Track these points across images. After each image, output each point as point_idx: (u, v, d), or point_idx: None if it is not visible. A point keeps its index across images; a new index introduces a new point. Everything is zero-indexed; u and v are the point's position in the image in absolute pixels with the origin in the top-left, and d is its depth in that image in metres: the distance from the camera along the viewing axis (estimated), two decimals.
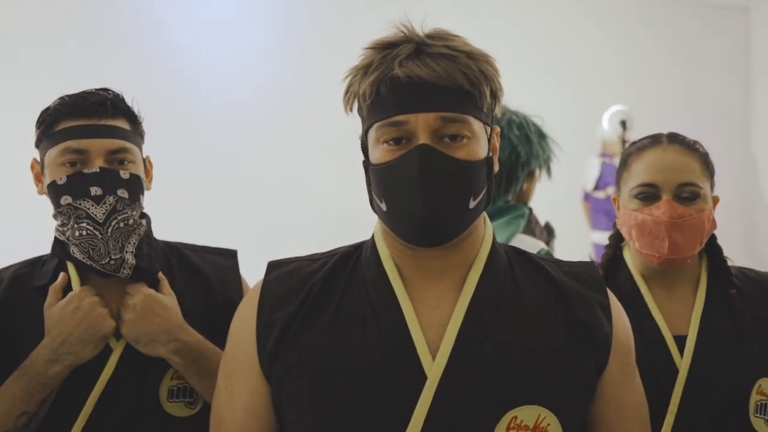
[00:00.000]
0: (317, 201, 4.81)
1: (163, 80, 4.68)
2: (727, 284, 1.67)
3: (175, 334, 1.54)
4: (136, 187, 1.57)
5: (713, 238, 1.74)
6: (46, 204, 1.60)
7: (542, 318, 1.25)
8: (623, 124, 5.10)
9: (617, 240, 1.80)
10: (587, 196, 5.35)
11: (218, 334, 1.56)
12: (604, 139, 5.22)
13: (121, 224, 1.55)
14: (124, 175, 1.55)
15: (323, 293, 1.27)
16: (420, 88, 1.17)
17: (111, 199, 1.53)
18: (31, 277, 1.62)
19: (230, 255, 1.77)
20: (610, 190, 5.03)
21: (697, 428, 1.56)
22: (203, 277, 1.69)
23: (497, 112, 1.29)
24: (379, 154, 1.22)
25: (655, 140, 1.70)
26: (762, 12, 6.44)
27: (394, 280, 1.25)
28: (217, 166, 4.80)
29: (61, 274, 1.58)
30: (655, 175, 1.64)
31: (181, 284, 1.65)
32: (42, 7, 4.49)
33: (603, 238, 4.92)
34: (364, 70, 1.21)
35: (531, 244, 2.13)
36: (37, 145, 1.60)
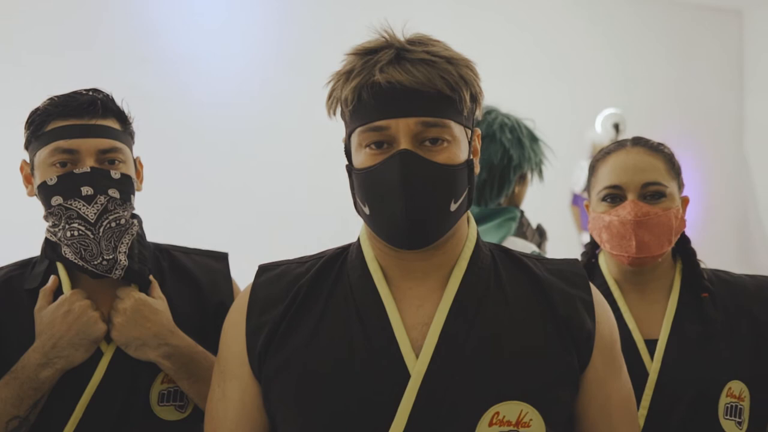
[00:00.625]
0: (313, 204, 4.81)
1: (158, 84, 4.67)
2: (699, 288, 1.68)
3: (165, 338, 1.54)
4: (127, 187, 1.57)
5: (687, 240, 1.76)
6: (37, 205, 1.59)
7: (525, 315, 1.27)
8: (616, 127, 5.11)
9: (593, 247, 1.83)
10: (576, 198, 5.37)
11: (209, 338, 1.57)
12: (593, 142, 5.24)
13: (113, 224, 1.54)
14: (115, 174, 1.55)
15: (310, 295, 1.30)
16: (400, 94, 1.19)
17: (102, 198, 1.53)
18: (22, 280, 1.61)
19: (221, 258, 1.76)
20: None
21: (668, 431, 1.57)
22: (194, 280, 1.69)
23: (478, 115, 1.31)
24: (361, 158, 1.24)
25: (620, 144, 1.74)
26: (755, 15, 6.46)
27: (378, 280, 1.28)
28: (211, 170, 4.79)
29: (52, 277, 1.58)
30: (619, 176, 1.67)
31: (172, 287, 1.65)
32: (38, 12, 4.49)
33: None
34: (345, 75, 1.23)
35: (523, 247, 2.13)
36: (27, 147, 1.59)
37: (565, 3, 5.91)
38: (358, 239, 1.35)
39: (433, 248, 1.26)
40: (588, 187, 1.78)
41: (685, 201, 1.72)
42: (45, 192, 1.54)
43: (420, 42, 1.23)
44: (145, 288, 1.59)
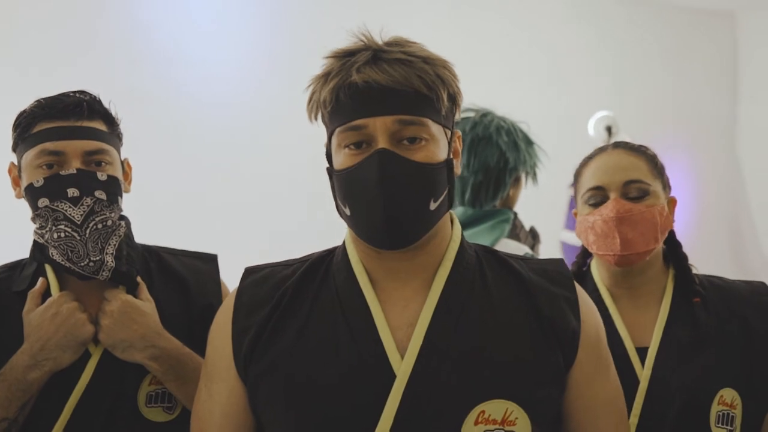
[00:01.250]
0: (305, 205, 4.80)
1: (152, 85, 4.67)
2: (691, 293, 1.68)
3: (153, 340, 1.54)
4: (114, 188, 1.57)
5: (678, 245, 1.76)
6: (26, 207, 1.59)
7: (510, 315, 1.28)
8: (608, 129, 5.11)
9: (584, 256, 1.83)
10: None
11: (197, 339, 1.57)
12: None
13: (100, 225, 1.54)
14: (102, 176, 1.55)
15: (296, 297, 1.31)
16: (377, 93, 1.20)
17: (88, 200, 1.53)
18: (10, 282, 1.62)
19: (210, 259, 1.77)
20: None
21: None
22: (182, 282, 1.69)
23: (457, 116, 1.33)
24: (341, 159, 1.25)
25: (601, 149, 1.75)
26: (748, 17, 6.47)
27: (363, 282, 1.28)
28: (205, 171, 4.79)
29: (40, 280, 1.58)
30: (601, 177, 1.67)
31: (160, 289, 1.65)
32: (33, 14, 4.48)
33: (571, 236, 4.94)
34: (324, 78, 1.24)
35: (516, 249, 2.14)
36: (14, 149, 1.59)
37: (558, 6, 5.91)
38: (344, 242, 1.35)
39: (415, 249, 1.27)
40: (574, 195, 1.79)
41: (672, 201, 1.72)
42: (32, 194, 1.54)
43: (397, 43, 1.25)
44: (132, 290, 1.59)
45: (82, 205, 1.52)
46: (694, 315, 1.65)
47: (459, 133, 1.34)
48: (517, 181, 2.38)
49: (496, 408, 1.20)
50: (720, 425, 1.57)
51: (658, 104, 6.15)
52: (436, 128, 1.24)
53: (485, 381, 1.21)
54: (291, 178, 4.88)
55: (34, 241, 1.60)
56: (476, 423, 1.19)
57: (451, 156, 1.29)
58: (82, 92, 1.60)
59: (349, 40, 1.26)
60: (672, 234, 1.74)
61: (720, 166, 6.40)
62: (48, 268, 1.59)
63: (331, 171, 1.29)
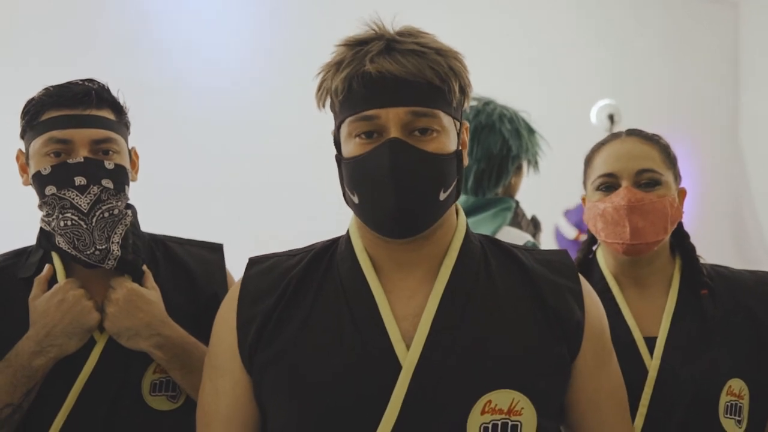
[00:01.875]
0: (309, 194, 4.80)
1: (152, 74, 4.66)
2: (699, 284, 1.67)
3: (158, 328, 1.54)
4: (121, 177, 1.57)
5: (686, 236, 1.75)
6: (33, 195, 1.59)
7: (515, 306, 1.28)
8: (611, 118, 5.10)
9: (590, 243, 1.82)
10: None
11: (202, 328, 1.56)
12: None
13: (106, 214, 1.54)
14: (109, 165, 1.55)
15: (300, 287, 1.30)
16: (390, 84, 1.20)
17: (95, 189, 1.53)
18: (16, 269, 1.62)
19: (216, 249, 1.77)
20: None
21: (667, 429, 1.56)
22: (188, 271, 1.69)
23: (466, 107, 1.33)
24: (351, 148, 1.25)
25: (614, 135, 1.74)
26: (751, 7, 6.45)
27: (368, 272, 1.29)
28: (208, 160, 4.78)
29: (47, 266, 1.58)
30: (613, 164, 1.66)
31: (166, 278, 1.65)
32: (35, 5, 4.47)
33: (568, 228, 4.94)
34: (336, 66, 1.24)
35: (517, 237, 2.14)
36: (22, 136, 1.60)
37: None
38: (348, 231, 1.35)
39: (422, 238, 1.27)
40: (584, 180, 1.78)
41: (682, 192, 1.71)
42: (39, 181, 1.54)
43: (410, 33, 1.24)
44: (138, 278, 1.59)
45: (89, 193, 1.53)
46: (701, 306, 1.65)
47: (467, 124, 1.34)
48: (519, 169, 2.39)
49: (502, 398, 1.20)
50: (729, 415, 1.57)
51: (661, 93, 6.13)
52: (447, 120, 1.25)
53: (491, 371, 1.21)
54: (295, 166, 4.88)
55: (41, 229, 1.61)
56: (483, 413, 1.19)
57: (460, 147, 1.29)
58: (90, 80, 1.60)
59: (359, 28, 1.25)
60: (680, 224, 1.73)
61: (722, 156, 6.38)
62: (54, 256, 1.59)
63: (339, 158, 1.29)
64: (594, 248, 1.82)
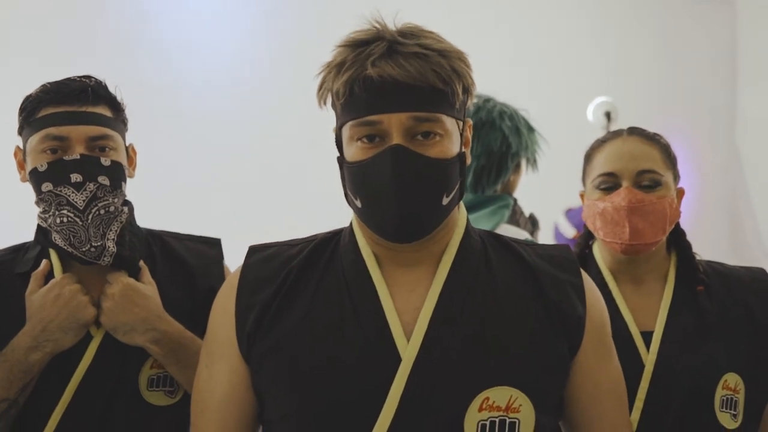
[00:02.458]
0: (308, 193, 4.80)
1: (151, 72, 4.65)
2: (695, 281, 1.68)
3: (154, 323, 1.54)
4: (117, 174, 1.57)
5: (682, 233, 1.76)
6: (31, 191, 1.59)
7: (515, 301, 1.28)
8: (608, 115, 5.10)
9: (586, 237, 1.82)
10: None
11: (199, 323, 1.55)
12: None
13: (102, 211, 1.54)
14: (105, 162, 1.55)
15: (301, 277, 1.30)
16: (393, 88, 1.19)
17: (91, 186, 1.53)
18: (13, 264, 1.62)
19: (213, 244, 1.77)
20: None
21: (664, 423, 1.57)
22: (185, 266, 1.69)
23: (470, 105, 1.31)
24: (353, 151, 1.24)
25: (615, 133, 1.73)
26: (748, 4, 6.45)
27: (371, 265, 1.28)
28: (205, 158, 4.78)
29: (43, 261, 1.58)
30: (614, 164, 1.66)
31: (163, 273, 1.65)
32: (32, 2, 4.46)
33: (567, 227, 4.95)
34: (337, 68, 1.22)
35: (515, 234, 2.14)
36: (20, 133, 1.60)
37: None
38: (351, 224, 1.35)
39: (424, 240, 1.27)
40: (583, 176, 1.78)
41: (680, 192, 1.72)
42: (36, 178, 1.54)
43: (412, 34, 1.22)
44: (134, 274, 1.59)
45: (85, 190, 1.53)
46: (697, 301, 1.65)
47: (470, 122, 1.33)
48: (518, 167, 2.39)
49: (500, 395, 1.20)
50: (724, 409, 1.58)
51: (657, 91, 6.14)
52: (450, 122, 1.24)
53: (490, 367, 1.21)
54: (294, 163, 4.88)
55: (38, 225, 1.61)
56: (480, 409, 1.19)
57: (463, 148, 1.29)
58: (87, 77, 1.60)
59: (360, 26, 1.24)
60: (676, 222, 1.74)
61: (719, 154, 6.39)
62: (51, 251, 1.59)
63: (341, 161, 1.28)
64: (591, 243, 1.82)
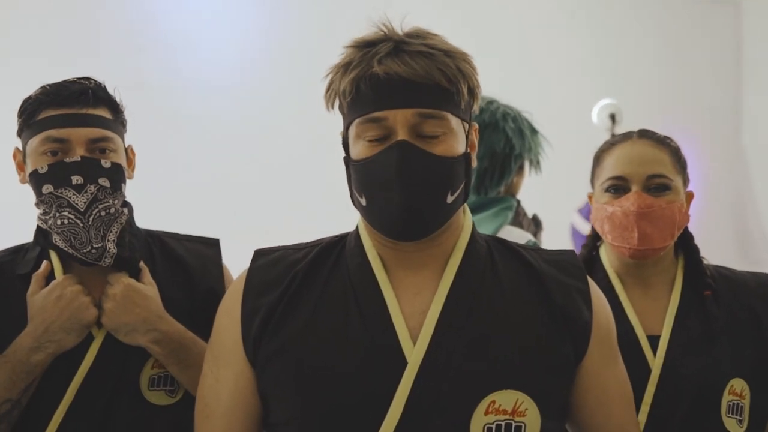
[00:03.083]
0: (310, 192, 4.80)
1: (154, 71, 4.66)
2: (702, 285, 1.67)
3: (155, 323, 1.55)
4: (117, 175, 1.58)
5: (690, 237, 1.75)
6: (30, 192, 1.60)
7: (521, 305, 1.28)
8: (612, 117, 5.09)
9: (594, 240, 1.81)
10: None
11: (199, 323, 1.58)
12: None
13: (103, 213, 1.55)
14: (106, 164, 1.56)
15: (307, 281, 1.30)
16: (398, 85, 1.20)
17: (92, 188, 1.54)
18: (14, 265, 1.63)
19: (212, 244, 1.77)
20: None
21: (670, 428, 1.57)
22: (184, 267, 1.70)
23: (475, 109, 1.32)
24: (359, 150, 1.24)
25: (625, 136, 1.72)
26: (753, 7, 6.44)
27: (377, 268, 1.28)
28: (208, 157, 4.79)
29: (44, 263, 1.59)
30: (624, 167, 1.65)
31: (163, 273, 1.66)
32: (34, 2, 4.47)
33: (583, 223, 4.93)
34: (344, 68, 1.23)
35: (519, 236, 2.14)
36: (19, 135, 1.60)
37: None
38: (357, 228, 1.35)
39: (429, 240, 1.27)
40: (592, 178, 1.77)
41: (689, 196, 1.71)
42: (36, 180, 1.55)
43: (418, 35, 1.24)
44: (135, 274, 1.60)
45: (86, 192, 1.53)
46: (704, 306, 1.65)
47: (476, 125, 1.34)
48: (521, 168, 2.40)
49: (506, 398, 1.20)
50: (730, 415, 1.57)
51: (662, 93, 6.12)
52: (455, 122, 1.24)
53: (496, 371, 1.21)
54: (297, 164, 4.88)
55: (38, 226, 1.62)
56: (486, 413, 1.19)
57: (468, 149, 1.29)
58: (87, 79, 1.61)
59: (368, 29, 1.25)
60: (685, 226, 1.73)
61: (724, 156, 6.37)
62: (52, 253, 1.60)
63: (347, 160, 1.29)
64: (598, 244, 1.81)
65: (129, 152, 1.67)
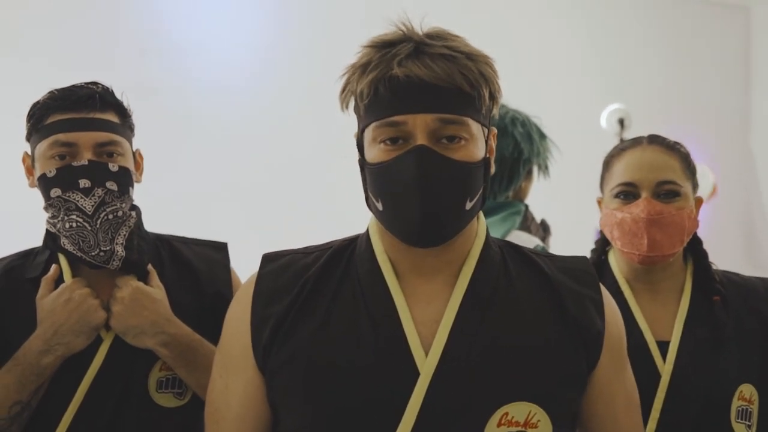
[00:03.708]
0: (319, 193, 4.80)
1: (161, 74, 4.67)
2: (711, 291, 1.67)
3: (163, 326, 1.56)
4: (125, 179, 1.59)
5: (699, 242, 1.75)
6: (39, 196, 1.61)
7: (534, 314, 1.25)
8: (621, 122, 5.09)
9: (602, 245, 1.81)
10: None
11: (207, 327, 1.59)
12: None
13: (110, 216, 1.56)
14: (113, 167, 1.57)
15: (317, 288, 1.27)
16: (419, 89, 1.16)
17: (100, 191, 1.55)
18: (23, 269, 1.64)
19: (220, 248, 1.78)
20: None
21: None
22: (193, 270, 1.71)
23: (495, 113, 1.29)
24: (375, 153, 1.21)
25: (635, 141, 1.72)
26: (763, 11, 6.41)
27: (388, 275, 1.25)
28: (217, 161, 4.79)
29: (53, 266, 1.60)
30: (634, 173, 1.65)
31: (171, 276, 1.67)
32: (41, 6, 4.49)
33: None
34: (362, 68, 1.20)
35: (527, 241, 2.15)
36: (28, 139, 1.62)
37: None
38: (367, 231, 1.32)
39: (444, 245, 1.23)
40: (601, 183, 1.77)
41: (699, 201, 1.71)
42: (44, 184, 1.56)
43: (439, 36, 1.20)
44: (143, 278, 1.61)
45: (94, 195, 1.54)
46: (713, 312, 1.64)
47: (495, 130, 1.31)
48: (530, 173, 2.39)
49: (519, 410, 1.18)
50: (740, 420, 1.57)
51: (671, 98, 6.10)
52: (475, 127, 1.21)
53: (509, 382, 1.19)
54: (308, 166, 4.87)
55: (47, 230, 1.63)
56: (499, 425, 1.17)
57: (488, 154, 1.26)
58: (94, 83, 1.62)
59: (386, 29, 1.21)
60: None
61: (733, 161, 6.35)
62: (61, 256, 1.61)
63: (363, 163, 1.25)
64: (607, 249, 1.81)
65: (137, 156, 1.67)
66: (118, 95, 1.63)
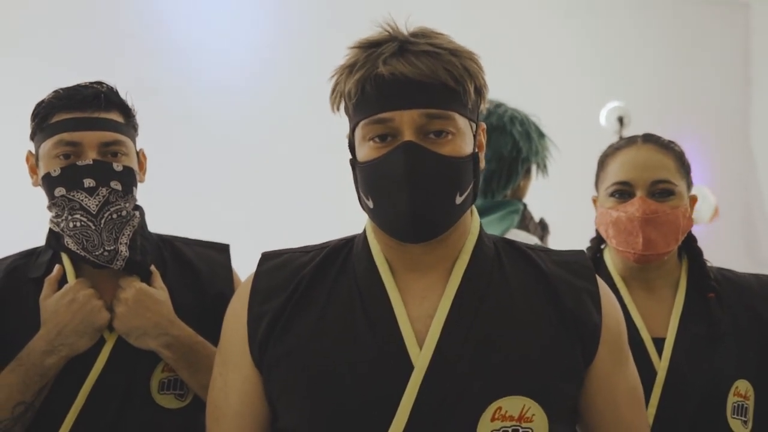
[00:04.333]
0: (321, 194, 4.80)
1: (164, 74, 4.67)
2: (706, 287, 1.68)
3: (166, 328, 1.56)
4: (129, 179, 1.59)
5: (693, 239, 1.76)
6: (42, 195, 1.61)
7: (530, 308, 1.26)
8: (621, 120, 5.09)
9: (597, 242, 1.82)
10: None
11: (209, 328, 1.59)
12: None
13: (114, 216, 1.56)
14: (117, 167, 1.57)
15: (313, 285, 1.29)
16: (404, 86, 1.18)
17: (104, 190, 1.55)
18: (26, 269, 1.64)
19: (222, 249, 1.78)
20: None
21: (676, 430, 1.57)
22: (195, 271, 1.71)
23: (483, 109, 1.30)
24: (365, 151, 1.23)
25: (630, 140, 1.73)
26: (763, 8, 6.41)
27: (383, 272, 1.27)
28: (220, 161, 4.79)
29: (57, 267, 1.60)
30: (629, 173, 1.66)
31: (173, 278, 1.67)
32: (44, 5, 4.49)
33: None
34: (349, 69, 1.22)
35: (525, 239, 2.15)
36: (32, 138, 1.62)
37: None
38: (364, 231, 1.34)
39: (436, 241, 1.25)
40: (596, 182, 1.78)
41: (693, 200, 1.72)
42: (49, 183, 1.56)
43: (423, 35, 1.22)
44: (146, 278, 1.61)
45: (98, 195, 1.55)
46: (708, 308, 1.65)
47: (484, 126, 1.33)
48: (528, 172, 2.40)
49: (513, 404, 1.19)
50: (736, 416, 1.58)
51: (670, 95, 6.10)
52: (462, 122, 1.23)
53: (503, 376, 1.20)
54: (311, 167, 4.87)
55: (50, 229, 1.63)
56: (493, 419, 1.18)
57: (477, 149, 1.28)
58: (99, 83, 1.62)
59: (372, 30, 1.24)
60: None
61: (732, 158, 6.35)
62: (64, 256, 1.61)
63: (354, 163, 1.28)
64: (602, 247, 1.82)
65: (140, 156, 1.68)
66: (122, 95, 1.64)
